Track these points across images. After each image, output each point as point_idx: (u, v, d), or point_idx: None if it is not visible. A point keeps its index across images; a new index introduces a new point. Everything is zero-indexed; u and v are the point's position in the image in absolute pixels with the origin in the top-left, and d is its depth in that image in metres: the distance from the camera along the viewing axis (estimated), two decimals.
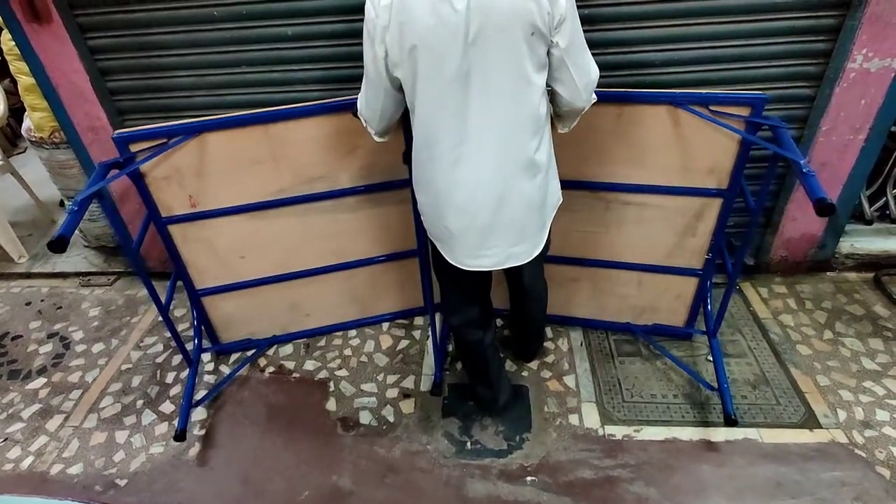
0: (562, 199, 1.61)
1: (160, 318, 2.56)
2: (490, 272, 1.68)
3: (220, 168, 1.87)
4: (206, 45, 2.10)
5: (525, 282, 1.83)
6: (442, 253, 1.56)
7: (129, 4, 2.03)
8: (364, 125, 1.55)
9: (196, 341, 2.19)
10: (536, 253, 1.53)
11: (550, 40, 1.28)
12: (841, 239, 2.50)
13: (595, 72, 1.43)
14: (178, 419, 1.96)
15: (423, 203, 1.52)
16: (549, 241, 1.62)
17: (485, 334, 1.82)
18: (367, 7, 1.27)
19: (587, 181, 1.96)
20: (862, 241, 2.56)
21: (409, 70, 1.29)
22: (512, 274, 1.80)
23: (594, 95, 1.49)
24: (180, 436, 1.90)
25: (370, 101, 1.45)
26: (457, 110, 1.32)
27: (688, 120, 1.77)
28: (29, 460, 1.96)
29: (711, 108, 1.74)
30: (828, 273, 2.55)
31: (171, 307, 2.61)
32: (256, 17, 2.02)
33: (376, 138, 1.58)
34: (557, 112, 1.51)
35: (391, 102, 1.44)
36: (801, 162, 1.52)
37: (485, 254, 1.48)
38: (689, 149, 1.83)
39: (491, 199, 1.40)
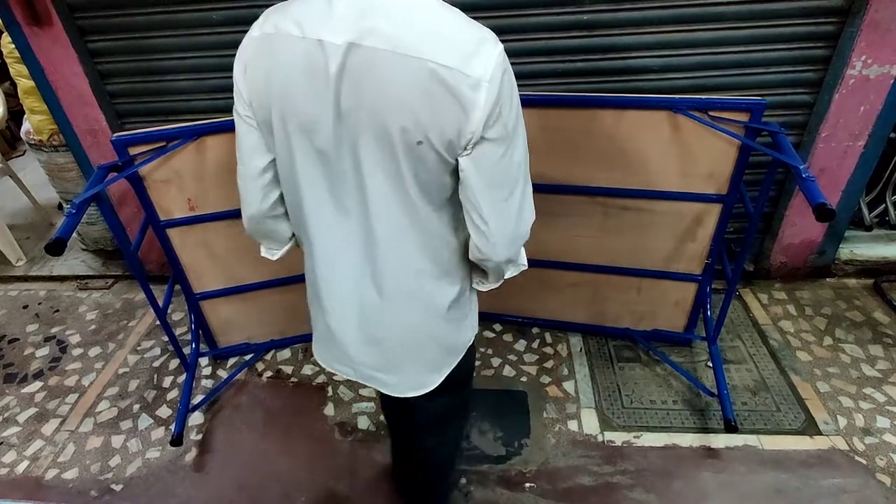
0: (473, 337, 1.23)
1: (158, 322, 2.55)
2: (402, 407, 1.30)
3: (220, 171, 1.86)
4: (205, 49, 2.10)
5: (415, 425, 1.38)
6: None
7: (129, 8, 2.03)
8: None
9: (193, 345, 2.18)
10: (415, 393, 1.15)
11: (453, 160, 0.87)
12: (840, 245, 2.50)
13: (526, 223, 1.00)
14: (174, 424, 1.95)
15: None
16: (460, 389, 1.28)
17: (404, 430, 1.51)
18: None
19: (586, 186, 1.96)
20: (861, 248, 2.56)
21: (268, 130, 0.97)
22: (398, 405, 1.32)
23: (523, 258, 1.08)
24: (177, 440, 1.89)
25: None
26: (325, 193, 0.96)
27: (687, 125, 1.77)
28: (24, 465, 1.95)
29: (711, 113, 1.75)
30: (827, 279, 2.55)
31: (169, 311, 2.60)
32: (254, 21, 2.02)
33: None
34: (470, 258, 1.05)
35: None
36: (801, 167, 1.52)
37: (345, 361, 1.16)
38: (688, 154, 1.83)
39: (354, 309, 1.06)
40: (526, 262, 1.10)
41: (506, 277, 1.11)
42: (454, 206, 0.97)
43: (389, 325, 1.07)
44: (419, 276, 1.02)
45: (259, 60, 0.92)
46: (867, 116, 2.07)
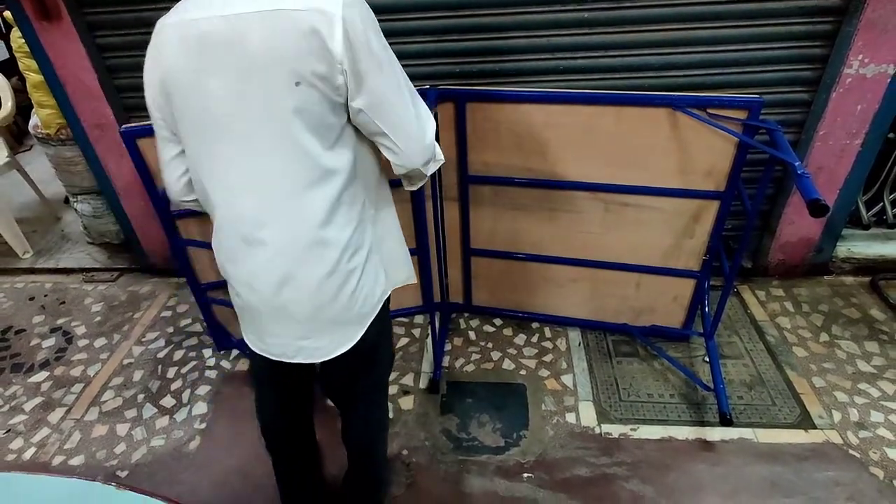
0: (389, 291, 1.26)
1: (162, 315, 2.59)
2: (300, 372, 1.32)
3: None
4: None
5: (340, 396, 1.43)
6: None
7: (137, 4, 2.07)
8: None
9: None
10: (338, 352, 1.17)
11: (339, 99, 0.98)
12: (838, 243, 2.52)
13: (428, 131, 1.11)
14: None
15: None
16: (378, 346, 1.28)
17: (291, 461, 1.52)
18: None
19: (586, 182, 1.99)
20: (859, 246, 2.58)
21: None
22: (325, 379, 1.39)
23: (438, 154, 1.18)
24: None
25: None
26: (215, 164, 1.06)
27: (686, 123, 1.80)
28: (31, 451, 1.98)
29: (709, 111, 1.77)
30: (825, 277, 2.57)
31: (174, 304, 2.65)
32: None
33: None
34: (396, 174, 1.17)
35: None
36: (796, 164, 1.54)
37: (269, 340, 1.18)
38: (687, 151, 1.86)
39: (271, 276, 1.09)
40: (442, 156, 1.21)
41: (428, 173, 1.19)
42: (346, 146, 1.05)
43: (303, 285, 1.10)
44: (310, 222, 1.06)
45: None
46: (864, 115, 2.10)
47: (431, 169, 1.18)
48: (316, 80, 0.94)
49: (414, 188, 1.26)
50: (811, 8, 1.93)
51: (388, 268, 1.27)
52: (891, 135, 2.60)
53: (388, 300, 1.29)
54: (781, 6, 1.93)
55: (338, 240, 1.09)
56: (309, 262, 1.08)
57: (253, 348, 1.24)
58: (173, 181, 1.21)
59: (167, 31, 1.00)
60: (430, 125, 1.13)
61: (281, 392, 1.43)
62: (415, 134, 1.08)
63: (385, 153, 1.10)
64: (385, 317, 1.30)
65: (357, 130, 1.07)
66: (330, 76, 0.94)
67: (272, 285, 1.10)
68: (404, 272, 1.37)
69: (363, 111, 1.01)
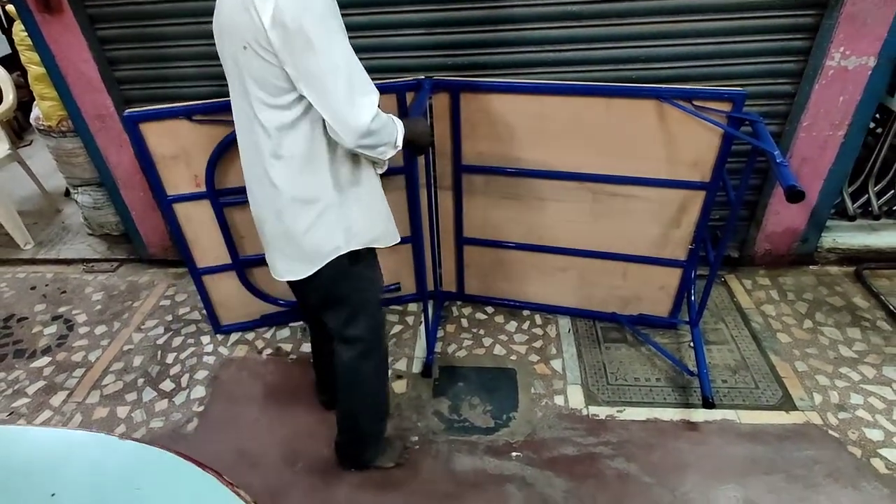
0: (345, 251, 1.42)
1: (161, 303, 2.64)
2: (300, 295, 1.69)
3: (226, 149, 1.95)
4: (211, 37, 2.15)
5: (313, 317, 1.81)
6: None
7: None
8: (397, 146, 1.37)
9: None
10: (287, 277, 1.47)
11: (276, 63, 1.17)
12: (823, 234, 2.57)
13: (361, 117, 1.21)
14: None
15: None
16: (338, 290, 1.49)
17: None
18: None
19: (576, 172, 2.04)
20: (844, 237, 2.63)
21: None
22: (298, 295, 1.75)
23: (379, 141, 1.29)
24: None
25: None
26: (232, 104, 1.37)
27: (673, 114, 1.85)
28: None
29: (695, 102, 1.82)
30: (810, 266, 2.63)
31: (172, 293, 2.70)
32: None
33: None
34: None
35: None
36: (775, 153, 1.60)
37: (268, 256, 1.53)
38: (673, 142, 1.91)
39: (254, 204, 1.45)
40: (389, 149, 1.34)
41: (375, 157, 1.34)
42: (298, 107, 1.24)
43: (268, 217, 1.41)
44: (263, 166, 1.32)
45: None
46: (846, 107, 2.15)
47: (371, 154, 1.32)
48: (257, 47, 1.15)
49: (378, 170, 1.46)
50: (793, 1, 1.99)
51: (356, 228, 1.42)
52: (878, 130, 2.67)
53: (366, 256, 1.50)
54: None
55: (283, 188, 1.31)
56: (267, 203, 1.38)
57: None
58: None
59: None
60: (365, 112, 1.22)
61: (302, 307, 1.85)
62: (343, 116, 1.20)
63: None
64: (352, 268, 1.47)
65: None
66: (266, 46, 1.14)
67: (256, 212, 1.46)
68: (376, 233, 1.49)
69: (297, 81, 1.18)
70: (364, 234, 1.45)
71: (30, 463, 0.85)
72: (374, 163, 1.44)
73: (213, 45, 2.16)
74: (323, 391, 2.03)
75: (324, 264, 1.42)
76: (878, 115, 2.67)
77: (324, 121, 1.24)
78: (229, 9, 1.18)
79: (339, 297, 1.51)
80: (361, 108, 1.21)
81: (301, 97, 1.21)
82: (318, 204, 1.35)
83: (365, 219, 1.44)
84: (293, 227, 1.37)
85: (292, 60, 1.14)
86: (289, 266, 1.45)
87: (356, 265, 1.47)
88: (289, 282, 1.53)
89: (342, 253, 1.42)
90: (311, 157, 1.29)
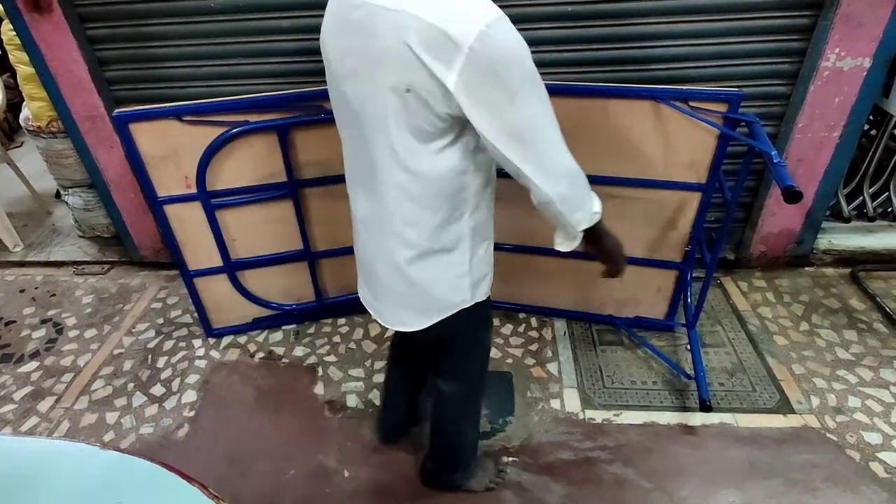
0: (471, 303, 1.27)
1: (152, 306, 2.61)
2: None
3: (218, 149, 1.93)
4: (203, 37, 2.16)
5: (423, 363, 1.62)
6: None
7: None
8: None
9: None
10: (416, 328, 1.28)
11: (443, 111, 0.96)
12: (819, 235, 2.57)
13: (563, 159, 1.06)
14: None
15: None
16: (453, 337, 1.36)
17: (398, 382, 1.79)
18: None
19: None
20: (839, 238, 2.63)
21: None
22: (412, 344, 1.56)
23: (590, 203, 1.14)
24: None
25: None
26: (345, 138, 1.18)
27: (669, 115, 1.84)
28: None
29: (691, 103, 1.81)
30: (806, 268, 2.62)
31: (164, 296, 2.67)
32: (252, 10, 2.09)
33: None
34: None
35: None
36: (772, 153, 1.59)
37: (363, 291, 1.38)
38: (670, 144, 1.90)
39: (366, 250, 1.27)
40: (598, 209, 1.16)
41: (575, 226, 1.15)
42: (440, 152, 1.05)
43: (384, 262, 1.21)
44: (394, 225, 1.14)
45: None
46: (842, 108, 2.15)
47: (567, 217, 1.12)
48: (426, 94, 0.94)
49: (560, 247, 1.21)
50: (789, 2, 1.98)
51: (483, 279, 1.28)
52: (872, 131, 2.67)
53: (480, 308, 1.31)
54: (760, 0, 1.98)
55: (417, 237, 1.13)
56: (384, 245, 1.18)
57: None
58: None
59: None
60: (565, 161, 1.07)
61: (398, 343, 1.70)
62: (548, 164, 1.04)
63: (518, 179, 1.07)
64: (472, 315, 1.30)
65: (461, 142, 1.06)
66: (442, 94, 0.94)
67: (367, 252, 1.27)
68: (484, 288, 1.32)
69: (487, 135, 0.98)
70: (487, 284, 1.31)
71: (4, 476, 0.82)
72: (563, 238, 1.20)
73: (206, 44, 2.19)
74: (389, 425, 1.91)
75: (445, 316, 1.27)
76: (872, 117, 2.67)
77: (473, 164, 1.10)
78: (383, 42, 0.92)
79: (454, 341, 1.39)
80: (563, 157, 1.06)
81: (455, 139, 1.04)
82: (452, 254, 1.19)
83: (488, 267, 1.31)
84: (420, 277, 1.19)
85: (484, 112, 0.94)
86: (403, 317, 1.29)
87: (476, 310, 1.31)
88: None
89: (468, 305, 1.28)
90: (455, 204, 1.12)
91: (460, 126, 1.02)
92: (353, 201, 1.25)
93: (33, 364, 2.32)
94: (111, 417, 2.07)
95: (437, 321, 1.26)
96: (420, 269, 1.18)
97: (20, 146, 4.33)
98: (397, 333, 1.65)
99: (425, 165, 1.05)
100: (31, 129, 2.67)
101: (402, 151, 1.02)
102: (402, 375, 1.77)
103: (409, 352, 1.68)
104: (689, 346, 2.21)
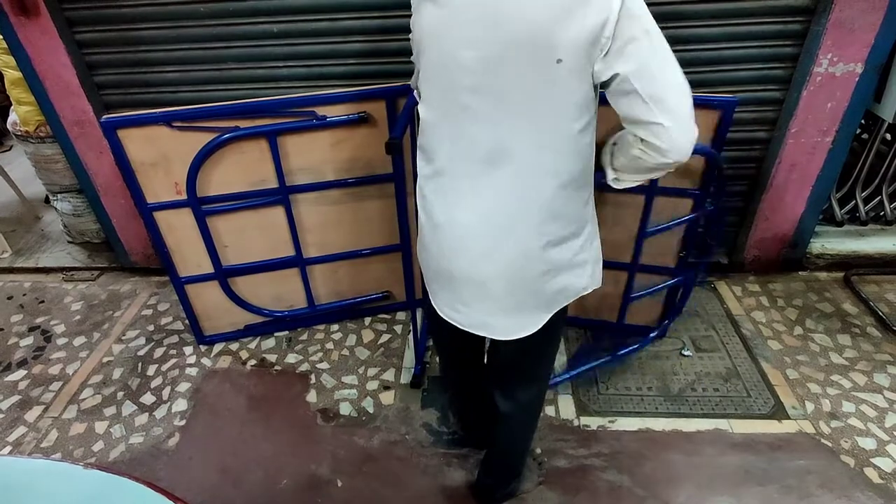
0: (591, 288, 1.23)
1: (143, 313, 2.58)
2: (479, 339, 1.35)
3: (207, 155, 1.91)
4: (193, 41, 2.14)
5: (502, 376, 1.44)
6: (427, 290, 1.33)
7: None
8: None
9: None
10: (520, 335, 1.21)
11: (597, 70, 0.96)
12: (812, 240, 2.57)
13: (691, 117, 1.01)
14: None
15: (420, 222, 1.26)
16: (552, 336, 1.28)
17: (468, 400, 1.66)
18: None
19: None
20: (832, 242, 2.63)
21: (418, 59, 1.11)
22: (492, 354, 1.44)
23: (691, 127, 1.01)
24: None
25: None
26: (459, 131, 1.06)
27: None
28: (6, 450, 1.96)
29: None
30: (799, 272, 2.62)
31: (155, 303, 2.64)
32: (242, 14, 2.07)
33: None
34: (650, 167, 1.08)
35: None
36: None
37: (458, 308, 1.23)
38: None
39: (475, 248, 1.13)
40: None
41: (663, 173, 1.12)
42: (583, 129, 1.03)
43: (512, 265, 1.13)
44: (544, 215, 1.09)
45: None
46: (834, 113, 2.15)
47: (669, 170, 1.09)
48: (579, 59, 0.96)
49: (619, 185, 1.20)
50: (781, 8, 1.98)
51: (599, 260, 1.25)
52: (864, 135, 2.69)
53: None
54: (753, 6, 1.98)
55: (549, 228, 1.09)
56: (509, 244, 1.10)
57: (441, 315, 1.28)
58: None
59: None
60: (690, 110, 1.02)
61: (465, 356, 1.54)
62: (684, 118, 1.00)
63: (646, 134, 1.01)
64: (566, 310, 1.26)
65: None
66: (591, 57, 0.97)
67: (476, 257, 1.13)
68: (600, 272, 1.28)
69: (628, 93, 0.99)
70: (601, 268, 1.25)
71: None
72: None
73: (196, 48, 2.16)
74: (473, 433, 1.83)
75: (564, 307, 1.21)
76: (864, 121, 2.68)
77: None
78: (529, 13, 0.92)
79: (552, 337, 1.31)
80: (685, 84, 1.01)
81: (594, 115, 1.03)
82: (580, 237, 1.14)
83: (601, 251, 1.25)
84: (556, 262, 1.12)
85: (641, 55, 0.95)
86: (521, 321, 1.19)
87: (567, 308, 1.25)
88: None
89: (590, 290, 1.21)
90: (586, 180, 1.10)
91: (597, 98, 1.03)
92: (452, 203, 1.12)
93: (21, 372, 2.28)
94: (100, 427, 2.04)
95: (549, 318, 1.20)
96: (556, 253, 1.11)
97: (8, 150, 4.28)
98: (456, 344, 1.48)
99: (573, 145, 1.03)
100: (19, 133, 2.64)
101: (553, 132, 1.00)
102: (474, 377, 1.61)
103: (472, 360, 1.56)
104: (683, 352, 2.22)
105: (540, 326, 1.20)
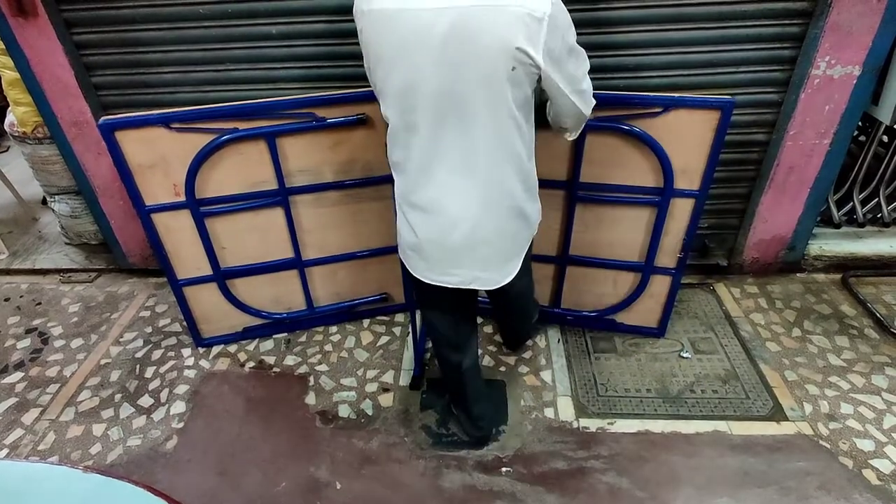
0: (538, 223, 1.55)
1: (141, 315, 2.57)
2: (466, 291, 1.57)
3: (206, 156, 1.90)
4: (191, 42, 2.13)
5: (508, 299, 1.89)
6: (407, 266, 1.55)
7: (115, 0, 2.06)
8: None
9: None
10: (504, 281, 1.49)
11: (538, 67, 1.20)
12: (810, 241, 2.58)
13: (589, 90, 1.40)
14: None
15: (400, 199, 1.46)
16: (526, 265, 1.61)
17: (463, 358, 1.76)
18: None
19: (565, 180, 2.01)
20: (830, 244, 2.64)
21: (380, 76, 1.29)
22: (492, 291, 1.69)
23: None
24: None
25: None
26: (431, 133, 1.28)
27: (661, 123, 1.83)
28: (3, 453, 1.95)
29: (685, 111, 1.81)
30: (797, 274, 2.63)
31: (153, 305, 2.63)
32: (241, 16, 2.06)
33: None
34: (559, 124, 1.46)
35: None
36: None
37: (451, 272, 1.46)
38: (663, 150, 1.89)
39: (465, 225, 1.37)
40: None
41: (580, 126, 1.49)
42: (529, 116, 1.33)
43: (493, 235, 1.41)
44: (512, 192, 1.38)
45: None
46: (832, 115, 2.16)
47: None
48: (526, 64, 1.21)
49: (574, 136, 1.54)
50: (780, 11, 1.98)
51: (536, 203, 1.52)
52: (861, 137, 2.69)
53: None
54: (751, 9, 1.98)
55: (527, 206, 1.43)
56: (503, 222, 1.41)
57: (431, 282, 1.49)
58: None
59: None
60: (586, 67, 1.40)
61: (456, 312, 1.70)
62: (589, 97, 1.42)
63: (567, 118, 1.41)
64: (531, 248, 1.60)
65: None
66: (537, 61, 1.22)
67: (462, 232, 1.38)
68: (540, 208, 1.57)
69: (558, 83, 1.29)
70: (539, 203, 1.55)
71: None
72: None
73: (194, 50, 2.15)
74: (474, 423, 1.91)
75: (527, 248, 1.53)
76: (861, 124, 2.69)
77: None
78: (478, 31, 1.13)
79: (524, 270, 1.57)
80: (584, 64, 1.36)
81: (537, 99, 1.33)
82: (534, 187, 1.45)
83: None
84: (528, 210, 1.44)
85: (567, 68, 1.27)
86: (512, 265, 1.49)
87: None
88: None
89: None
90: (533, 148, 1.39)
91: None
92: (441, 185, 1.34)
93: (18, 375, 2.27)
94: (98, 429, 2.03)
95: (524, 256, 1.52)
96: (521, 210, 1.41)
97: (6, 151, 4.26)
98: (452, 305, 1.67)
99: (524, 129, 1.31)
100: (17, 134, 2.63)
101: (513, 122, 1.26)
102: (468, 344, 1.79)
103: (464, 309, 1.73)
104: (682, 354, 2.22)
105: (519, 268, 1.50)
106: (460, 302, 1.65)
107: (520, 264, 1.51)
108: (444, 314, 1.70)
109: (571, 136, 1.54)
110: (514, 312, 2.03)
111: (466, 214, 1.35)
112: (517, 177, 1.36)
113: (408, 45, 1.18)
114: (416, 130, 1.28)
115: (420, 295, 1.68)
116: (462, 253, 1.41)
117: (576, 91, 1.33)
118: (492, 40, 1.14)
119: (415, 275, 1.53)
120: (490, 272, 1.46)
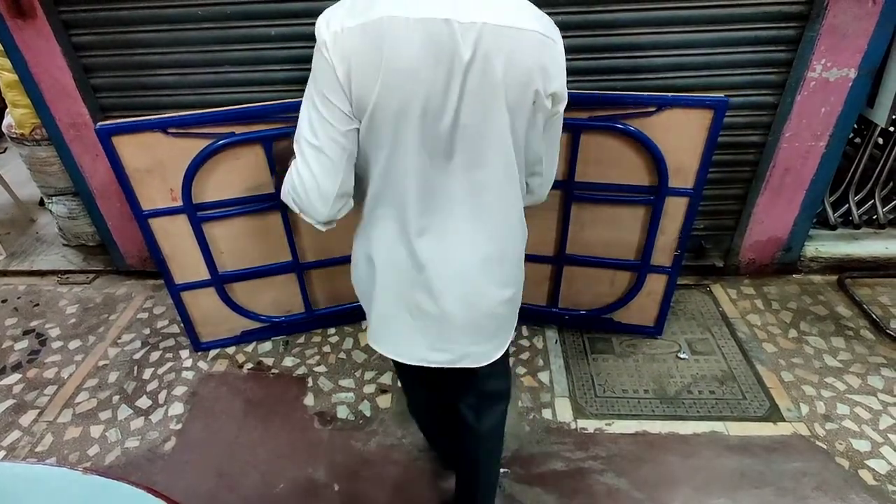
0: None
1: (138, 316, 2.57)
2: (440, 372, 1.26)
3: (203, 161, 1.90)
4: (190, 44, 2.14)
5: (480, 397, 1.41)
6: (370, 337, 1.25)
7: (114, 2, 2.06)
8: (298, 212, 1.08)
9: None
10: (497, 355, 1.23)
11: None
12: (806, 243, 2.59)
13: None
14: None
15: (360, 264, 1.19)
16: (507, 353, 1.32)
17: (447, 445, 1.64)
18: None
19: (560, 180, 2.02)
20: (826, 246, 2.65)
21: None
22: (462, 388, 1.39)
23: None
24: None
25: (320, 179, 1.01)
26: (430, 176, 1.03)
27: (656, 122, 1.85)
28: (0, 455, 1.95)
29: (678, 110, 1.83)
30: (794, 275, 2.64)
31: (150, 305, 2.63)
32: (240, 18, 2.07)
33: (323, 228, 1.11)
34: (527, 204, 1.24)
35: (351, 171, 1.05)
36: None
37: (442, 347, 1.18)
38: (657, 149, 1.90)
39: (471, 292, 1.14)
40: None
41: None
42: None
43: (494, 301, 1.18)
44: (517, 251, 1.21)
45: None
46: (828, 118, 2.17)
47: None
48: (544, 99, 1.04)
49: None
50: (775, 13, 2.00)
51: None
52: (857, 139, 2.71)
53: None
54: (747, 11, 1.99)
55: (519, 252, 1.21)
56: (500, 290, 1.18)
57: (409, 362, 1.21)
58: None
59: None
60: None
61: (436, 391, 1.47)
62: (553, 170, 1.24)
63: (532, 179, 1.20)
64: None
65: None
66: (548, 99, 1.06)
67: (463, 296, 1.14)
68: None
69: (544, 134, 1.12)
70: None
71: None
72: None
73: (193, 52, 2.16)
74: (450, 460, 1.79)
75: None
76: (857, 126, 2.71)
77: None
78: (518, 56, 0.93)
79: (506, 354, 1.33)
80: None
81: None
82: (522, 252, 1.24)
83: None
84: (513, 290, 1.21)
85: (558, 116, 1.10)
86: (498, 341, 1.24)
87: None
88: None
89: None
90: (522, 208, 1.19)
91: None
92: (418, 239, 1.07)
93: (15, 376, 2.27)
94: (96, 431, 2.03)
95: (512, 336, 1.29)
96: (516, 276, 1.22)
97: (3, 153, 4.26)
98: (422, 378, 1.39)
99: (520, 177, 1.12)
100: (14, 136, 2.63)
101: (515, 170, 1.07)
102: (435, 402, 1.57)
103: (436, 386, 1.46)
104: (679, 355, 2.23)
105: (510, 341, 1.29)
106: (446, 382, 1.37)
107: (511, 337, 1.30)
108: (428, 397, 1.54)
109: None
110: (481, 432, 1.44)
111: (468, 276, 1.16)
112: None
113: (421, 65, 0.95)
114: (413, 169, 1.06)
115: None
116: (455, 323, 1.19)
117: (551, 158, 1.19)
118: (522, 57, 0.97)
119: (381, 350, 1.28)
120: (483, 343, 1.22)
